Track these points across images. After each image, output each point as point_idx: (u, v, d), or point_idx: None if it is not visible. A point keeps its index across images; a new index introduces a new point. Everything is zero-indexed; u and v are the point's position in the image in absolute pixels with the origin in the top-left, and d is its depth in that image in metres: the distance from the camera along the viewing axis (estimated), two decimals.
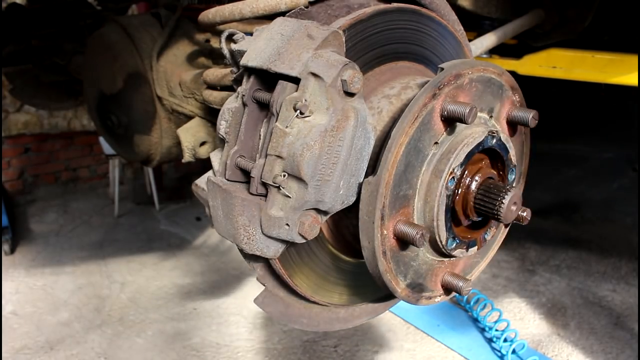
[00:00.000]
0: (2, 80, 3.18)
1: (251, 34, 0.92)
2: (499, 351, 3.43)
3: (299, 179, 0.77)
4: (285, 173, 0.78)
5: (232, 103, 0.89)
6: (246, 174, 0.87)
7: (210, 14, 1.15)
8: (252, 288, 4.17)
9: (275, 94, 0.81)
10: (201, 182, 0.90)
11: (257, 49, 0.85)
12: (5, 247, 4.74)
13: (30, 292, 4.19)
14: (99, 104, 1.93)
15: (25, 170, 6.08)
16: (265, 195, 0.83)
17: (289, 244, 0.86)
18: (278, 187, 0.79)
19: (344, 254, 1.04)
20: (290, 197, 0.79)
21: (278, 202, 0.80)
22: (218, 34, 1.76)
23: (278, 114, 0.79)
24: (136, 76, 1.78)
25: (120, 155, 2.20)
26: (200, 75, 1.56)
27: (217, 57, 1.77)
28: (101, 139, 5.53)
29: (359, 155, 0.80)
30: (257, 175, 0.82)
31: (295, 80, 0.79)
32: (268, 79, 0.85)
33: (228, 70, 1.38)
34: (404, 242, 0.84)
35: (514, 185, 0.98)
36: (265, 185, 0.82)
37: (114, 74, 1.82)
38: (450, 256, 0.92)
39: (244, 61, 0.86)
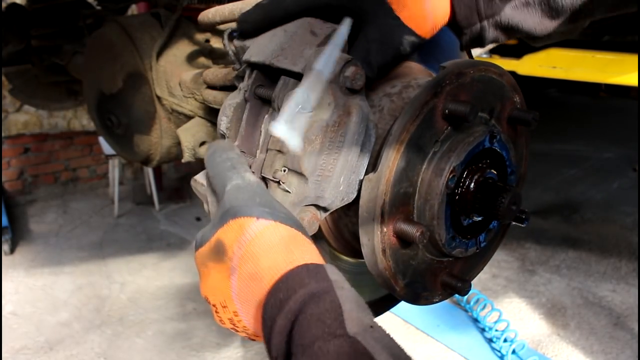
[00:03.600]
0: (2, 80, 3.18)
1: None
2: (499, 351, 3.43)
3: (299, 174, 0.77)
4: (285, 168, 0.78)
5: (233, 99, 0.89)
6: None
7: (210, 14, 1.15)
8: None
9: (277, 90, 0.81)
10: (200, 177, 0.90)
11: (259, 45, 0.85)
12: (5, 247, 4.74)
13: (30, 292, 4.19)
14: (98, 103, 1.93)
15: (24, 170, 6.08)
16: None
17: None
18: (278, 182, 0.79)
19: (343, 253, 1.03)
20: (290, 193, 0.79)
21: (277, 197, 0.80)
22: (218, 33, 1.76)
23: (279, 110, 0.80)
24: (136, 76, 1.78)
25: (120, 155, 2.20)
26: (200, 75, 1.56)
27: (217, 57, 1.77)
28: (101, 139, 5.53)
29: (359, 152, 0.80)
30: (257, 170, 0.82)
31: (298, 76, 0.79)
32: (270, 74, 0.85)
33: (228, 69, 1.38)
34: (403, 240, 0.83)
35: (514, 185, 0.98)
36: (265, 180, 0.82)
37: (113, 74, 1.82)
38: (449, 256, 0.92)
39: (246, 57, 0.87)
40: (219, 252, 0.68)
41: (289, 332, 0.58)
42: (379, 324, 0.60)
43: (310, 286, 0.60)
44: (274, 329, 0.59)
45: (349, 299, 0.60)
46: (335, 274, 0.64)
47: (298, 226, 0.70)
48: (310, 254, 0.67)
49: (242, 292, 0.65)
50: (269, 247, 0.65)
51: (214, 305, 0.70)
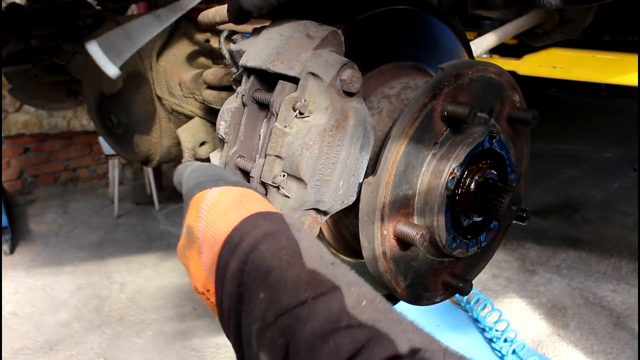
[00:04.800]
0: (2, 80, 3.18)
1: (250, 34, 0.92)
2: (499, 351, 3.42)
3: (298, 179, 0.77)
4: (284, 173, 0.78)
5: (231, 103, 0.89)
6: (246, 174, 0.87)
7: (210, 14, 1.15)
8: None
9: (275, 94, 0.81)
10: None
11: (256, 49, 0.85)
12: (5, 248, 4.74)
13: (30, 292, 4.19)
14: (98, 103, 1.93)
15: (24, 170, 6.08)
16: (265, 196, 0.83)
17: None
18: (277, 187, 0.79)
19: (343, 254, 1.03)
20: (289, 197, 0.78)
21: (277, 202, 0.80)
22: (218, 33, 1.76)
23: (277, 114, 0.79)
24: (136, 76, 1.77)
25: (119, 155, 2.20)
26: (200, 75, 1.56)
27: (217, 57, 1.77)
28: (101, 139, 5.52)
29: (358, 155, 0.80)
30: (256, 176, 0.82)
31: (295, 80, 0.79)
32: (267, 78, 0.85)
33: (227, 70, 1.37)
34: (404, 242, 0.83)
35: (514, 185, 0.98)
36: (264, 185, 0.82)
37: None
38: (450, 256, 0.92)
39: (243, 61, 0.86)
40: (190, 238, 0.66)
41: (241, 274, 0.54)
42: (342, 263, 0.56)
43: (264, 227, 0.57)
44: (226, 274, 0.55)
45: (307, 238, 0.57)
46: (292, 219, 0.61)
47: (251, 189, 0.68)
48: (265, 206, 0.64)
49: (207, 262, 0.62)
50: (224, 210, 0.62)
51: (202, 294, 0.66)
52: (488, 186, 0.88)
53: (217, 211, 0.63)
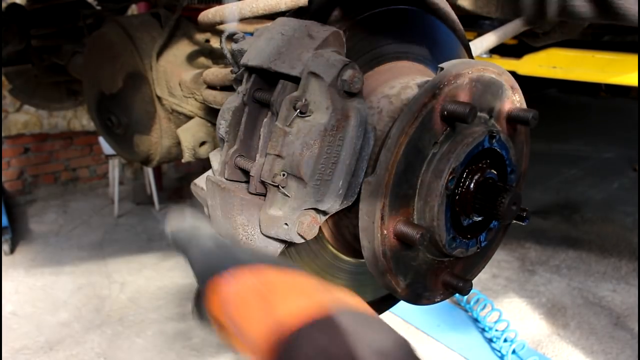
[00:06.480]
0: (2, 80, 3.18)
1: (251, 34, 0.92)
2: (499, 351, 3.43)
3: (299, 179, 0.77)
4: (284, 172, 0.78)
5: (232, 103, 0.89)
6: (246, 174, 0.87)
7: (210, 14, 1.16)
8: None
9: (276, 94, 0.81)
10: (200, 181, 0.90)
11: (257, 49, 0.85)
12: (5, 247, 4.74)
13: (30, 292, 4.19)
14: (98, 103, 1.93)
15: (24, 170, 6.08)
16: (265, 195, 0.83)
17: (288, 244, 0.86)
18: (277, 187, 0.79)
19: (344, 253, 1.03)
20: (289, 197, 0.79)
21: (277, 201, 0.80)
22: (218, 33, 1.76)
23: (278, 114, 0.79)
24: (136, 76, 1.78)
25: (120, 155, 2.20)
26: (200, 75, 1.56)
27: (217, 57, 1.78)
28: (101, 139, 5.52)
29: (358, 155, 0.80)
30: (256, 175, 0.82)
31: (296, 80, 0.79)
32: (268, 78, 0.85)
33: (228, 70, 1.38)
34: (404, 242, 0.84)
35: (513, 185, 0.98)
36: (264, 184, 0.82)
37: (113, 74, 1.82)
38: (450, 256, 0.92)
39: (244, 60, 0.86)
40: (222, 329, 0.68)
41: None
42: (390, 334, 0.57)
43: (317, 341, 0.57)
44: None
45: (354, 329, 0.57)
46: (340, 310, 0.60)
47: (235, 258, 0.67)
48: (291, 287, 0.64)
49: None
50: (252, 311, 0.63)
51: None
52: (488, 186, 0.89)
53: (244, 313, 0.63)
